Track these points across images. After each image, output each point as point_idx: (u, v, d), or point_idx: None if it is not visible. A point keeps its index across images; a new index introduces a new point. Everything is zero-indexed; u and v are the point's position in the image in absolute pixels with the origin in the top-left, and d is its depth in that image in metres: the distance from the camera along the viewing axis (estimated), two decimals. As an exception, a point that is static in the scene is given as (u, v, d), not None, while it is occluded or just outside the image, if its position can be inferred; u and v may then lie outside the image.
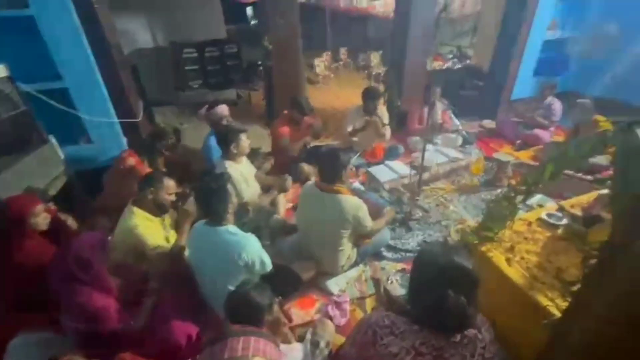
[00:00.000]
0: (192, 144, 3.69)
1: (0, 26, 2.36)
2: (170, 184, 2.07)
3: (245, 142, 2.50)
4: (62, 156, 2.74)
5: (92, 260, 1.40)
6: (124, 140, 3.09)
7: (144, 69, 4.40)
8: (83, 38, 2.59)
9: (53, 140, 2.68)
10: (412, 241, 2.49)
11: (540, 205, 2.57)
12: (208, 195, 1.71)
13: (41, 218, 1.73)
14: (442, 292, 0.89)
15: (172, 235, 2.12)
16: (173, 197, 2.11)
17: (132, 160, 2.53)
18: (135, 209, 1.95)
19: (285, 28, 3.15)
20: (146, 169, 2.54)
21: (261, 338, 0.95)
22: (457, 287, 0.89)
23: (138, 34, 5.62)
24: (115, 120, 2.97)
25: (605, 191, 1.98)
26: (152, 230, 1.98)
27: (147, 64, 5.27)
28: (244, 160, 2.62)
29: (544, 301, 1.36)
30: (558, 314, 1.28)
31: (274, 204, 2.64)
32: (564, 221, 1.80)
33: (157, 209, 2.04)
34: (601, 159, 2.98)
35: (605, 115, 3.14)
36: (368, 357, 0.99)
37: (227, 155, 2.45)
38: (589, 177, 2.86)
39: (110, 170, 2.58)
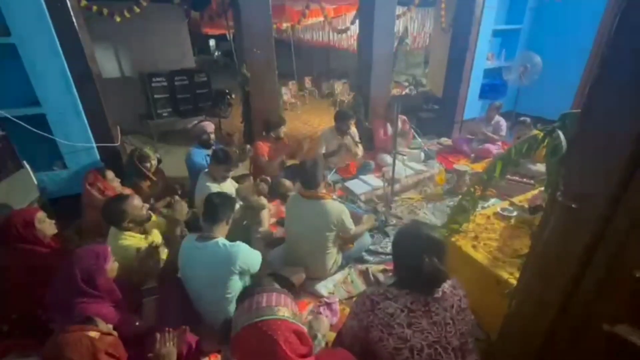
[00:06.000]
0: (165, 170, 3.74)
1: (-20, 54, 2.39)
2: (135, 202, 2.08)
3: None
4: (35, 182, 2.69)
5: (97, 271, 1.46)
6: (102, 165, 3.08)
7: (110, 98, 4.44)
8: (65, 65, 2.65)
9: (27, 165, 2.64)
10: (390, 245, 2.71)
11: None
12: (220, 200, 1.83)
13: (47, 223, 1.84)
14: (418, 257, 1.12)
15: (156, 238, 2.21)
16: (144, 212, 2.15)
17: (100, 183, 2.58)
18: (119, 231, 2.02)
19: (263, 57, 3.45)
20: (113, 189, 2.60)
21: (282, 293, 1.09)
22: (429, 251, 1.13)
23: (104, 63, 5.63)
24: (94, 145, 2.98)
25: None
26: (138, 245, 2.03)
27: (114, 94, 5.28)
28: (228, 180, 2.77)
29: (505, 275, 1.63)
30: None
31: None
32: (515, 213, 2.13)
33: (136, 226, 2.10)
34: (540, 167, 3.51)
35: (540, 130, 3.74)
36: (369, 323, 1.16)
37: (211, 172, 2.61)
38: (531, 182, 3.33)
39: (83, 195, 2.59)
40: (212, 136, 3.21)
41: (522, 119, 3.93)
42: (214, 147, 2.85)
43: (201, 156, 3.08)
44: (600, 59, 0.83)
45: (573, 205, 0.84)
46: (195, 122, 3.31)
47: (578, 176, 0.86)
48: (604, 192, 0.77)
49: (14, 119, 2.51)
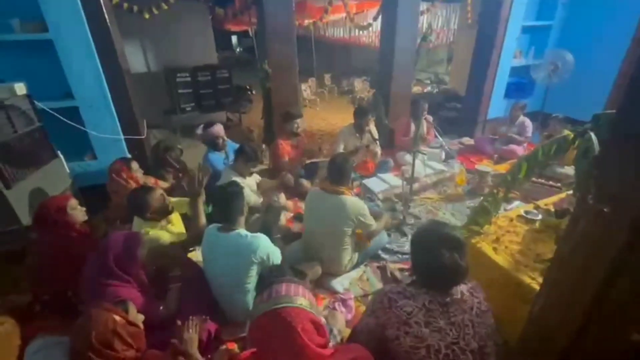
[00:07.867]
0: (187, 163, 3.84)
1: (22, 48, 2.53)
2: (157, 195, 2.13)
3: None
4: (68, 171, 2.84)
5: (129, 255, 1.53)
6: (129, 156, 3.21)
7: (136, 93, 4.59)
8: (97, 60, 2.77)
9: (61, 155, 2.78)
10: (408, 244, 2.68)
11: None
12: (226, 199, 1.86)
13: (78, 210, 1.94)
14: (438, 252, 1.11)
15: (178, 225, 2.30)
16: (166, 204, 2.20)
17: (124, 173, 2.67)
18: (143, 221, 2.10)
19: (284, 54, 3.48)
20: (137, 179, 2.70)
21: (300, 284, 1.11)
22: (449, 247, 1.12)
23: (131, 59, 5.79)
24: (122, 137, 3.10)
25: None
26: (162, 232, 2.12)
27: (139, 89, 5.44)
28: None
29: (527, 280, 1.58)
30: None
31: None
32: (540, 217, 2.06)
33: (160, 215, 2.16)
34: (568, 170, 3.37)
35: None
36: (386, 320, 1.16)
37: (238, 168, 2.65)
38: (558, 185, 3.20)
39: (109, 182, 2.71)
40: (225, 137, 3.28)
41: (554, 114, 3.78)
42: (242, 145, 2.87)
43: (220, 161, 3.18)
44: (638, 57, 0.79)
45: (605, 209, 0.81)
46: (202, 125, 3.32)
47: (611, 179, 0.82)
48: (638, 196, 0.74)
49: (50, 111, 2.65)
